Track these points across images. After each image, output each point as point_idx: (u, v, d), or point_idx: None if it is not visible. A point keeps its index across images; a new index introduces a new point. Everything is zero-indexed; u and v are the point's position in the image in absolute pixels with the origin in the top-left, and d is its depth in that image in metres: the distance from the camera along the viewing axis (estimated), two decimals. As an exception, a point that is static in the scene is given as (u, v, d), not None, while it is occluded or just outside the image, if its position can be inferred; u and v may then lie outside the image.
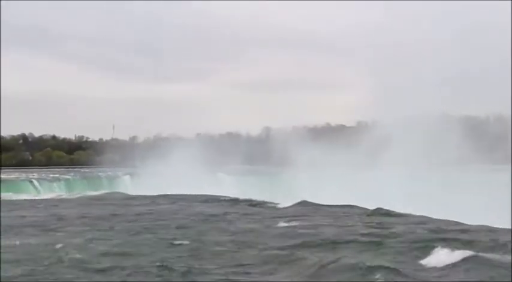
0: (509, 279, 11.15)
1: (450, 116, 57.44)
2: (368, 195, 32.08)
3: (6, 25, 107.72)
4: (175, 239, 16.65)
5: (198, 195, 32.30)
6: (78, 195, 38.09)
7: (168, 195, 32.59)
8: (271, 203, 28.16)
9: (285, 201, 27.66)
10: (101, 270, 12.90)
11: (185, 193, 32.94)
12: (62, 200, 33.72)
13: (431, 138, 48.41)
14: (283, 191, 41.99)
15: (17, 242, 16.43)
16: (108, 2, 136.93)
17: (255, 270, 13.06)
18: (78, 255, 14.30)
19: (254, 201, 29.10)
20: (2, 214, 24.19)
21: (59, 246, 15.61)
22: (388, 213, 22.60)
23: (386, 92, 56.80)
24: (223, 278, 12.31)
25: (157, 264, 13.16)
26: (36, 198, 36.48)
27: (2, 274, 12.62)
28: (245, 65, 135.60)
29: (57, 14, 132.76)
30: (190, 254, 14.65)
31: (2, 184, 44.92)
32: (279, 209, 26.18)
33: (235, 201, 29.79)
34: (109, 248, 15.33)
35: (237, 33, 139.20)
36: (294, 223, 19.98)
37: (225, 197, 31.58)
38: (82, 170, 66.42)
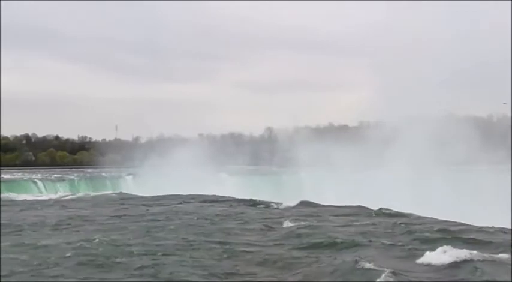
0: (510, 279, 11.17)
1: (454, 115, 57.37)
2: (372, 196, 32.02)
3: (7, 25, 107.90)
4: (193, 239, 16.88)
5: (200, 195, 32.30)
6: (82, 195, 38.17)
7: (171, 195, 32.62)
8: (274, 203, 28.22)
9: (288, 202, 27.72)
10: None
11: (188, 193, 32.95)
12: (71, 200, 33.76)
13: (435, 138, 48.30)
14: (286, 191, 42.03)
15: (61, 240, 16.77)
16: (110, 2, 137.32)
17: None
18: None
19: (257, 201, 29.14)
20: (21, 213, 24.43)
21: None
22: (392, 214, 22.62)
23: (389, 92, 56.68)
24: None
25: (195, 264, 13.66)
26: (40, 198, 36.55)
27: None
28: (248, 65, 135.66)
29: (57, 14, 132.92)
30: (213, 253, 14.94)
31: (5, 184, 44.98)
32: (282, 209, 26.23)
33: (237, 201, 29.82)
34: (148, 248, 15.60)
35: (240, 34, 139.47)
36: (297, 223, 20.04)
37: (228, 197, 31.58)
38: (85, 170, 66.54)
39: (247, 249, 15.28)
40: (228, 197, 31.75)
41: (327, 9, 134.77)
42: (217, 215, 23.35)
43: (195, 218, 22.17)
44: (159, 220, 21.76)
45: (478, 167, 47.53)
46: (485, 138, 47.66)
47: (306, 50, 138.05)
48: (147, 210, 25.64)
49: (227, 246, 15.68)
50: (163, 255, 14.54)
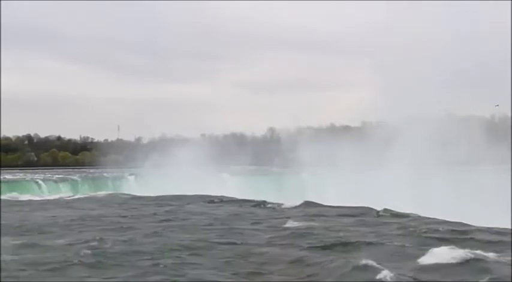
0: (510, 280, 11.22)
1: (455, 115, 57.41)
2: (373, 196, 32.10)
3: (7, 25, 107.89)
4: (207, 239, 17.05)
5: (206, 195, 32.41)
6: (89, 195, 38.20)
7: (175, 195, 32.71)
8: (278, 203, 28.29)
9: (291, 202, 27.77)
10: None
11: (193, 194, 33.03)
12: (78, 200, 33.86)
13: (437, 138, 48.32)
14: (288, 192, 42.05)
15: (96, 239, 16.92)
16: (110, 2, 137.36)
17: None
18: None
19: (261, 202, 29.21)
20: (33, 214, 24.72)
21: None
22: (394, 214, 22.70)
23: (390, 92, 56.75)
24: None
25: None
26: (48, 198, 36.66)
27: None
28: (248, 65, 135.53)
29: (57, 14, 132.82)
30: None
31: (8, 185, 45.09)
32: (287, 209, 26.29)
33: (243, 202, 29.93)
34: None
35: (240, 34, 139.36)
36: (302, 223, 20.13)
37: (230, 197, 31.69)
38: (87, 170, 66.61)
39: (262, 250, 15.45)
40: (233, 197, 31.92)
41: (327, 9, 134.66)
42: (227, 215, 23.63)
43: (205, 218, 22.41)
44: (169, 220, 22.05)
45: (480, 167, 47.55)
46: (487, 138, 47.68)
47: (306, 50, 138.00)
48: (156, 210, 25.85)
49: (241, 246, 15.93)
50: (181, 255, 14.72)
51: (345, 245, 15.54)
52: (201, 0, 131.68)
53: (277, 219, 22.18)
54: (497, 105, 51.63)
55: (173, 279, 12.39)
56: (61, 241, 16.82)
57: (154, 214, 24.18)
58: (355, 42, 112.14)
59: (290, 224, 20.19)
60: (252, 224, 21.10)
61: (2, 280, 12.21)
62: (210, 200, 30.47)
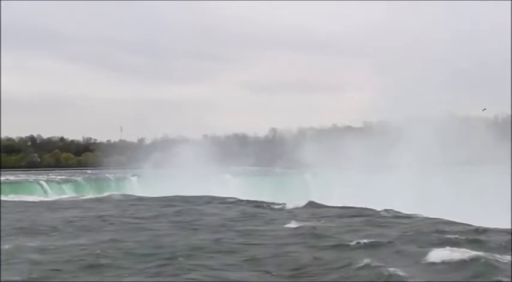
0: (510, 280, 11.28)
1: (458, 116, 57.37)
2: (376, 196, 32.09)
3: (7, 25, 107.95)
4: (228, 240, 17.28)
5: (205, 196, 32.47)
6: (91, 197, 38.22)
7: (177, 196, 32.78)
8: (279, 204, 28.33)
9: (294, 203, 27.82)
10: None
11: (193, 194, 33.09)
12: (88, 201, 33.95)
13: (439, 139, 48.31)
14: (291, 193, 42.03)
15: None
16: (110, 2, 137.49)
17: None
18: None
19: (262, 202, 29.26)
20: (45, 215, 24.98)
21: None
22: (396, 215, 22.75)
23: (393, 92, 56.74)
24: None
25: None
26: (57, 199, 36.75)
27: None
28: (248, 66, 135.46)
29: (57, 14, 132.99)
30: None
31: (11, 186, 45.18)
32: (288, 210, 26.35)
33: (242, 202, 29.97)
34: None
35: (243, 34, 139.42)
36: (302, 224, 20.19)
37: (233, 198, 31.75)
38: (90, 171, 66.64)
39: (273, 250, 15.64)
40: (236, 198, 31.99)
41: (327, 9, 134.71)
42: (234, 216, 23.94)
43: (217, 219, 22.80)
44: (182, 221, 22.31)
45: (481, 167, 47.45)
46: (490, 138, 47.61)
47: (306, 50, 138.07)
48: (166, 211, 26.13)
49: (253, 247, 16.20)
50: (203, 255, 15.03)
51: (349, 246, 15.66)
52: (201, 0, 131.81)
53: (281, 219, 22.30)
54: (485, 109, 51.44)
55: (199, 279, 12.58)
56: (81, 241, 17.26)
57: (165, 215, 24.53)
58: (355, 42, 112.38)
59: (294, 224, 20.33)
60: (258, 224, 21.30)
61: (2, 280, 12.33)
62: (215, 201, 30.59)
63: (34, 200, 35.74)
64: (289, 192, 43.80)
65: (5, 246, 16.00)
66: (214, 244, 16.43)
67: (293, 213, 24.84)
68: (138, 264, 13.96)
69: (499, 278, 11.43)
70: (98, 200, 35.05)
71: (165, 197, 32.77)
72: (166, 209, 26.82)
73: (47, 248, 16.03)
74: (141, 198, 34.34)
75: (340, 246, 15.67)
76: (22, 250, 15.65)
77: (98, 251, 15.12)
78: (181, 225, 20.80)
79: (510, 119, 53.06)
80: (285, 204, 27.95)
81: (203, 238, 17.46)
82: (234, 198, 31.87)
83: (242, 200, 30.75)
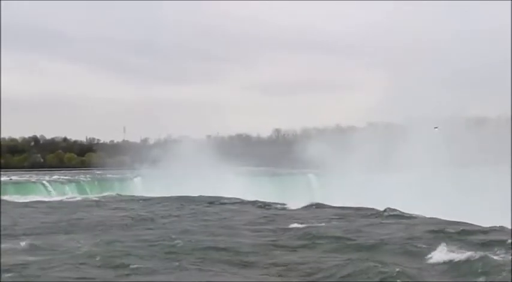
0: (510, 280, 11.31)
1: (461, 117, 57.35)
2: (379, 197, 32.07)
3: (7, 25, 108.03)
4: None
5: (210, 197, 32.46)
6: (94, 197, 38.16)
7: (180, 197, 32.78)
8: (282, 204, 28.33)
9: (297, 203, 27.82)
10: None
11: (195, 195, 33.10)
12: (110, 201, 33.93)
13: (443, 139, 48.34)
14: (295, 193, 42.02)
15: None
16: (110, 2, 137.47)
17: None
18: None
19: (265, 203, 29.26)
20: (77, 215, 25.19)
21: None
22: (399, 215, 22.79)
23: (397, 93, 56.81)
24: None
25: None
26: (51, 199, 36.64)
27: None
28: (255, 67, 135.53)
29: (57, 14, 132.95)
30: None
31: (14, 186, 45.23)
32: (291, 210, 26.33)
33: (245, 203, 29.98)
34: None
35: (247, 35, 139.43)
36: (306, 225, 20.21)
37: (236, 198, 31.75)
38: (93, 172, 66.63)
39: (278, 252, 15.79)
40: (236, 198, 32.07)
41: (327, 9, 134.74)
42: (242, 217, 24.20)
43: (238, 218, 23.45)
44: (213, 220, 23.06)
45: (484, 167, 47.38)
46: (493, 139, 47.58)
47: (307, 50, 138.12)
48: (178, 211, 26.59)
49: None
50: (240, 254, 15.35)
51: (351, 246, 15.73)
52: (201, 0, 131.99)
53: (284, 220, 22.34)
54: (436, 128, 51.39)
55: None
56: (160, 232, 18.65)
57: (196, 214, 25.20)
58: (356, 42, 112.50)
59: (297, 225, 20.33)
60: (263, 224, 21.63)
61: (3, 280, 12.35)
62: (219, 202, 30.65)
63: (49, 200, 35.66)
64: (293, 192, 43.77)
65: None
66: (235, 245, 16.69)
67: (296, 213, 24.94)
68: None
69: (500, 278, 11.47)
70: (116, 200, 35.08)
71: (168, 197, 32.80)
72: (185, 208, 27.45)
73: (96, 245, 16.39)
74: (147, 199, 34.36)
75: (342, 247, 15.73)
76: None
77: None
78: (214, 224, 21.69)
79: (510, 119, 52.87)
80: (288, 204, 28.02)
81: (222, 239, 17.70)
82: (236, 198, 31.96)
83: (247, 201, 30.81)
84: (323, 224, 20.61)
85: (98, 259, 14.20)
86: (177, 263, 13.85)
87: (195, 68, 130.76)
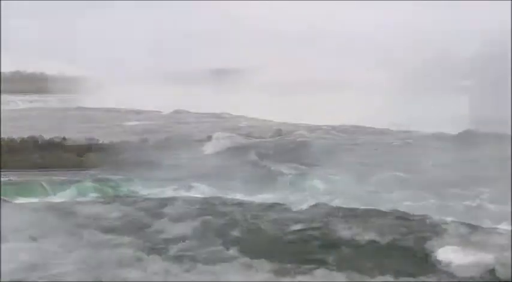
0: (510, 280, 11.61)
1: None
2: (382, 197, 32.17)
3: (8, 25, 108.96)
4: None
5: (209, 197, 32.55)
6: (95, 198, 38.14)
7: (182, 197, 32.93)
8: (285, 205, 28.49)
9: (300, 204, 27.99)
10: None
11: (196, 195, 33.24)
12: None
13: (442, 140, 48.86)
14: (297, 193, 41.91)
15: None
16: (116, 3, 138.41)
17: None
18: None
19: (267, 203, 29.43)
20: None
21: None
22: (401, 215, 23.21)
23: (400, 93, 57.40)
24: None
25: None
26: (51, 200, 36.65)
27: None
28: (255, 67, 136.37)
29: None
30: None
31: (12, 187, 45.05)
32: (294, 211, 26.43)
33: (246, 203, 30.03)
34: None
35: (245, 34, 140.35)
36: (309, 225, 20.55)
37: (237, 199, 31.75)
38: (92, 172, 66.39)
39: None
40: (237, 199, 32.42)
41: (326, 9, 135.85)
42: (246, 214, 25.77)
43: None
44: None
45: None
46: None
47: (308, 50, 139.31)
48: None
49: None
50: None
51: (354, 246, 15.95)
52: (201, 0, 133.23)
53: (286, 220, 22.47)
54: (376, 149, 51.59)
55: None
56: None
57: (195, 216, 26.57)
58: (356, 41, 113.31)
59: (300, 226, 20.62)
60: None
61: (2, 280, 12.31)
62: (217, 201, 30.75)
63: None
64: (296, 192, 43.75)
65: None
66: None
67: (298, 214, 25.00)
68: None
69: (500, 278, 11.84)
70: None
71: (170, 197, 32.97)
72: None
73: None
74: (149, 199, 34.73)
75: (345, 247, 16.05)
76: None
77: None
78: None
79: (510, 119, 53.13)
80: (290, 205, 28.16)
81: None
82: (237, 199, 31.97)
83: (243, 201, 31.71)
84: (326, 225, 21.24)
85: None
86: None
87: (196, 68, 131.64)
